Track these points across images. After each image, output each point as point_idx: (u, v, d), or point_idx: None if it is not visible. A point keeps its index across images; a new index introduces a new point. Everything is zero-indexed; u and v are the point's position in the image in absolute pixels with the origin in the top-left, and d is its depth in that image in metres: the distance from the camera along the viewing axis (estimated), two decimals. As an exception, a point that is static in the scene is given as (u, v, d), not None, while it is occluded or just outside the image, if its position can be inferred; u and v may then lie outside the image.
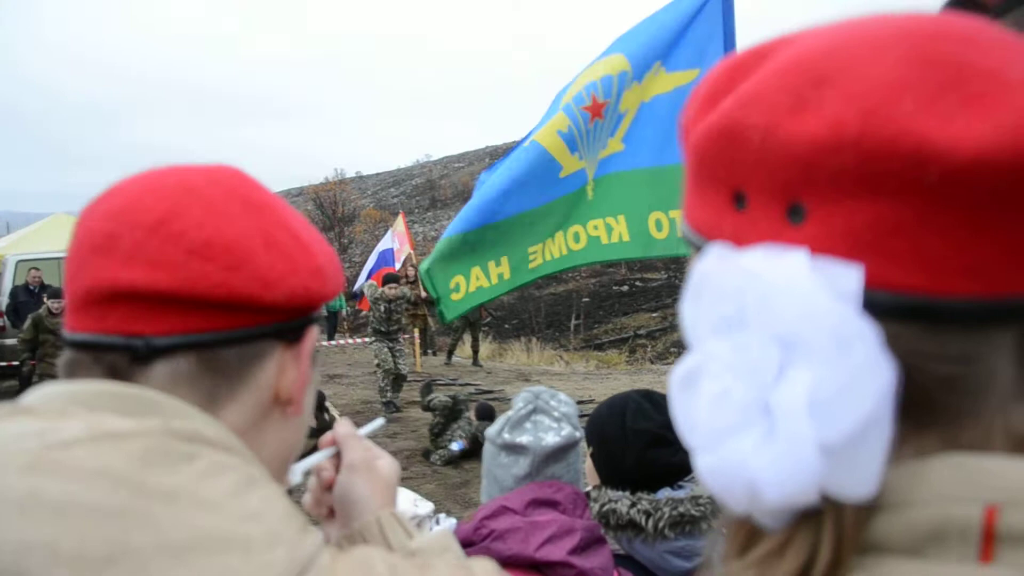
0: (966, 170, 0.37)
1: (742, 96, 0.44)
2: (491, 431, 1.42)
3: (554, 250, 3.73)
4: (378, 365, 9.45)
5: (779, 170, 0.42)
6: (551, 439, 1.37)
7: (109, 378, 0.63)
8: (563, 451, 1.39)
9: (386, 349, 9.37)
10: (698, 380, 0.44)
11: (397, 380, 9.49)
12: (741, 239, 0.45)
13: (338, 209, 35.25)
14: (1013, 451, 0.41)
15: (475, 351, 14.09)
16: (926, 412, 0.42)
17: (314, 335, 0.72)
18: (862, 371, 0.38)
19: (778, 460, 0.39)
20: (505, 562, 1.24)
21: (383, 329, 9.48)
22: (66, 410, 0.59)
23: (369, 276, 13.70)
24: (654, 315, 24.04)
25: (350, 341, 16.27)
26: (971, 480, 0.39)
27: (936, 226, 0.38)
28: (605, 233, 3.68)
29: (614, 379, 12.19)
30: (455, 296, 3.80)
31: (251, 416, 0.67)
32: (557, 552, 1.23)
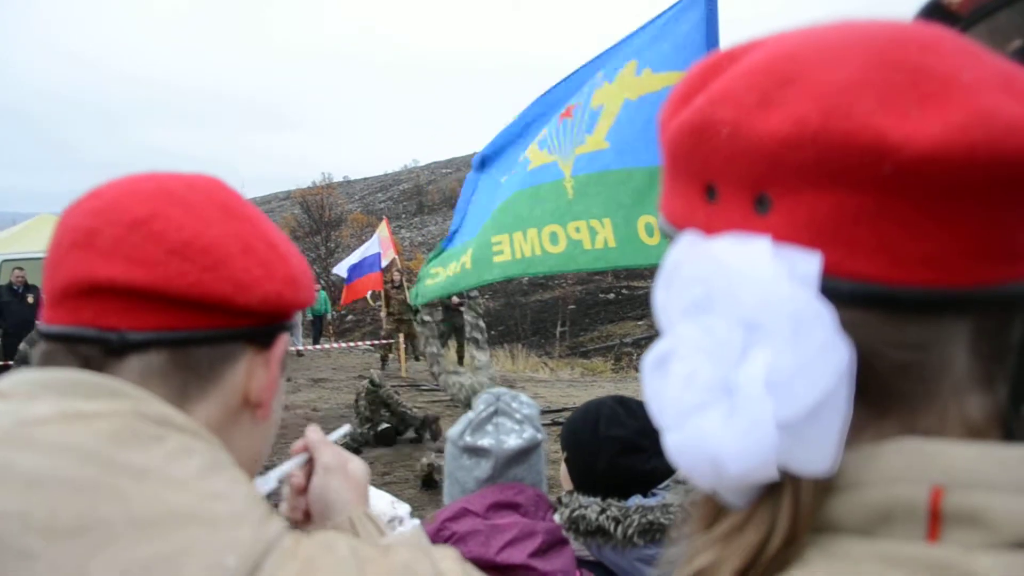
0: (919, 163, 0.39)
1: (713, 94, 0.47)
2: (452, 433, 1.42)
3: (525, 248, 3.55)
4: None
5: (746, 163, 0.44)
6: (513, 442, 1.37)
7: (82, 368, 0.65)
8: (525, 453, 1.39)
9: None
10: (668, 362, 0.46)
11: None
12: (712, 229, 0.47)
13: (325, 213, 35.11)
14: (967, 437, 0.43)
15: (460, 357, 14.08)
16: (885, 398, 0.44)
17: (285, 342, 0.75)
18: (819, 352, 0.40)
19: (739, 436, 0.41)
20: None
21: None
22: (37, 394, 0.61)
23: (352, 279, 13.64)
24: (640, 323, 24.13)
25: (335, 345, 16.22)
26: (919, 463, 0.41)
27: (893, 217, 0.41)
28: (588, 237, 3.52)
29: (599, 387, 12.24)
30: (429, 282, 3.74)
31: (220, 415, 0.69)
32: (518, 555, 1.24)
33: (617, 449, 1.57)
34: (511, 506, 1.31)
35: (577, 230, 3.51)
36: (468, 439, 1.38)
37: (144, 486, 0.57)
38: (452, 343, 14.19)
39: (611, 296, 27.16)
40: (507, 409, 1.42)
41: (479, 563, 1.23)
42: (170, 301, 0.64)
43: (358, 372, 11.52)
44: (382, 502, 2.07)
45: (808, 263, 0.42)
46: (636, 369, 17.38)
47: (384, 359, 13.70)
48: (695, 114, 0.47)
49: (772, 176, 0.43)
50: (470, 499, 1.33)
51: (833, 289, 0.42)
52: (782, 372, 0.40)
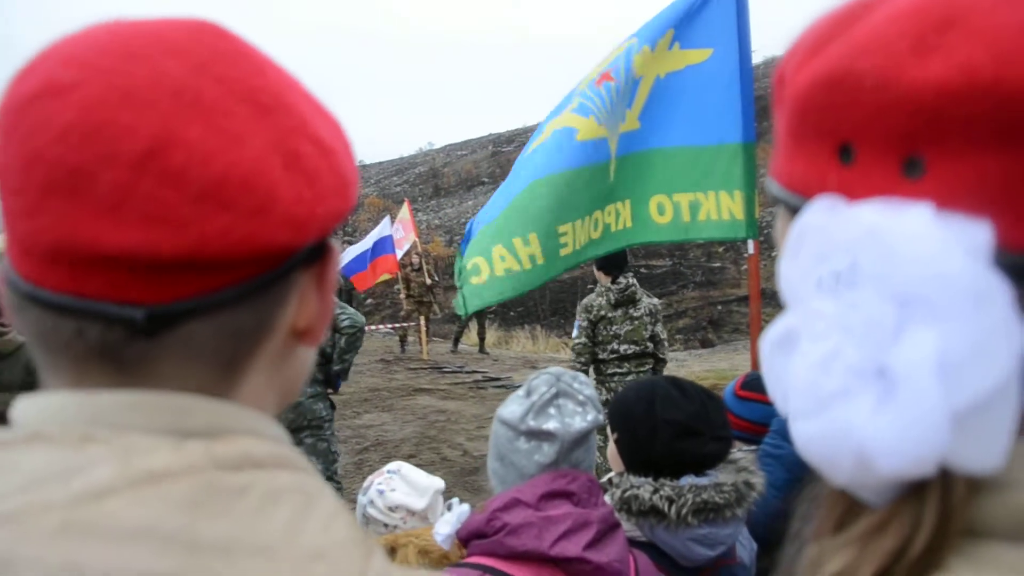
0: None
1: (853, 42, 0.41)
2: (508, 415, 1.37)
3: (581, 237, 3.40)
4: None
5: (896, 120, 0.39)
6: (578, 424, 1.33)
7: (97, 357, 0.50)
8: (588, 435, 1.36)
9: None
10: (797, 342, 0.41)
11: None
12: (849, 195, 0.42)
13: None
14: None
15: (481, 338, 14.08)
16: None
17: (337, 253, 0.60)
18: (995, 332, 0.35)
19: (898, 427, 0.36)
20: (519, 557, 1.21)
21: None
22: (87, 434, 0.48)
23: (365, 265, 13.55)
24: (660, 302, 24.05)
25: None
26: None
27: None
28: (614, 219, 3.54)
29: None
30: (475, 280, 3.35)
31: (270, 371, 0.56)
32: (572, 548, 1.20)
33: (675, 433, 1.54)
34: (564, 495, 1.27)
35: (609, 213, 3.50)
36: (532, 423, 1.33)
37: (234, 567, 0.45)
38: (473, 325, 14.17)
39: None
40: (569, 390, 1.37)
41: (533, 556, 1.19)
42: (209, 264, 0.48)
43: (379, 356, 11.53)
44: (421, 476, 2.03)
45: (979, 232, 0.36)
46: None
47: (403, 341, 13.70)
48: (832, 64, 0.42)
49: (928, 133, 0.38)
50: (521, 489, 1.29)
51: (1000, 263, 0.36)
52: (954, 355, 0.35)
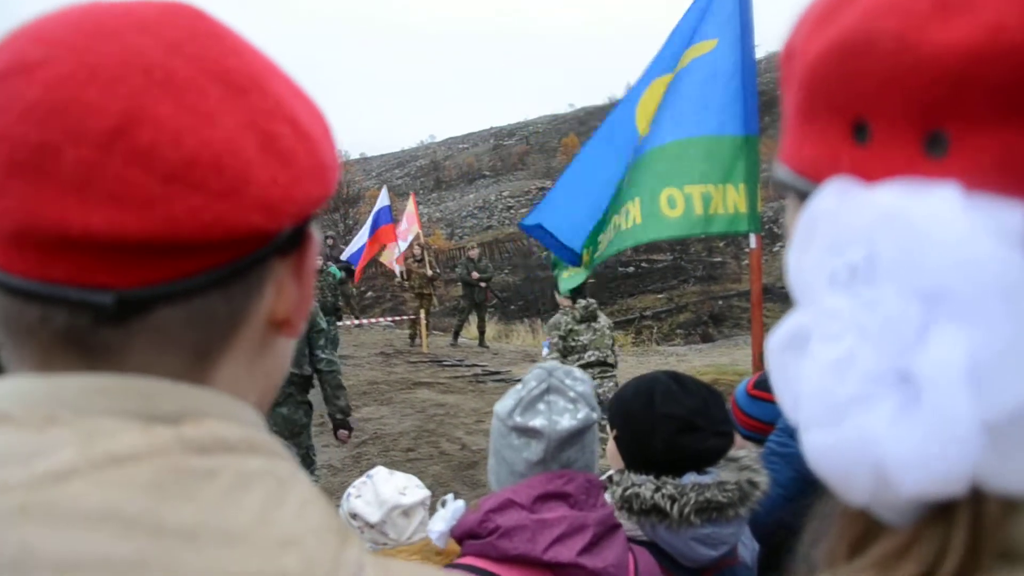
0: None
1: (868, 5, 0.37)
2: (501, 409, 1.34)
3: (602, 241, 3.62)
4: None
5: (916, 90, 0.35)
6: (566, 422, 1.29)
7: (64, 343, 0.48)
8: (579, 434, 1.31)
9: None
10: (808, 343, 0.37)
11: None
12: (864, 176, 0.37)
13: (342, 190, 35.09)
14: None
15: (481, 332, 14.02)
16: None
17: (316, 241, 0.59)
18: None
19: (922, 439, 0.32)
20: (511, 560, 1.18)
21: None
22: (51, 415, 0.46)
23: (360, 255, 13.44)
24: (660, 296, 23.94)
25: (355, 322, 16.21)
26: None
27: None
28: (624, 219, 3.56)
29: (621, 360, 12.09)
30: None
31: (247, 362, 0.54)
32: (566, 553, 1.17)
33: (675, 428, 1.50)
34: (560, 497, 1.23)
35: (617, 214, 3.51)
36: (518, 419, 1.29)
37: (200, 553, 0.44)
38: (473, 318, 14.13)
39: (630, 269, 26.96)
40: (560, 386, 1.33)
41: (525, 560, 1.15)
42: (178, 248, 0.46)
43: (379, 349, 11.50)
44: (389, 488, 1.99)
45: (1012, 216, 0.32)
46: (656, 343, 17.31)
47: (413, 336, 13.63)
48: (844, 31, 0.38)
49: (951, 105, 0.34)
50: (516, 489, 1.25)
51: None
52: (986, 357, 0.31)
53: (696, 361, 11.41)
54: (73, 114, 0.43)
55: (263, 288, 0.53)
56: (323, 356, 4.38)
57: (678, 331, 19.76)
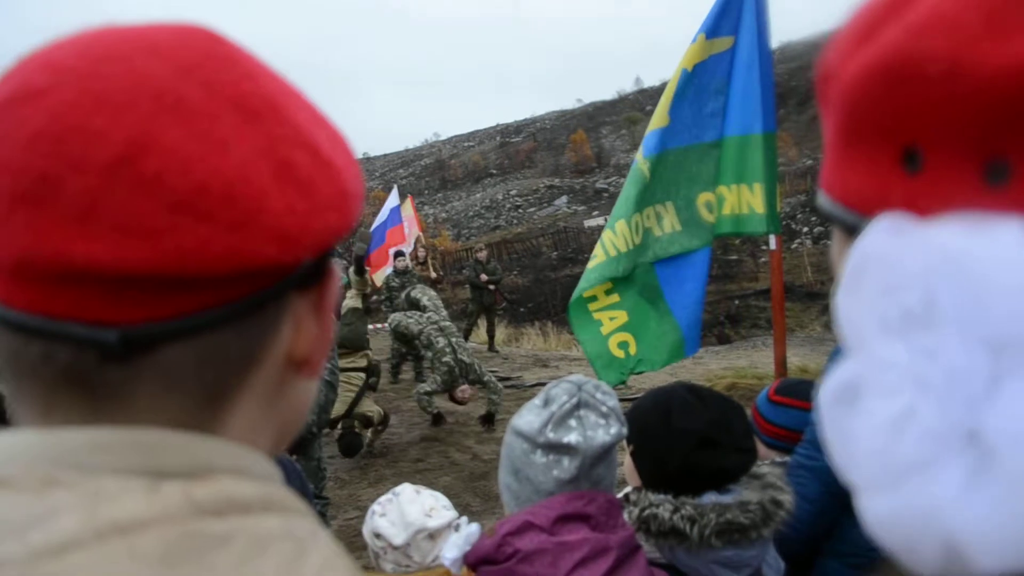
0: None
1: (913, 22, 0.35)
2: (524, 426, 1.31)
3: (618, 243, 3.43)
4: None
5: (971, 114, 0.33)
6: (601, 437, 1.27)
7: (67, 382, 0.47)
8: (610, 450, 1.30)
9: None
10: (861, 396, 0.34)
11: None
12: (917, 210, 0.36)
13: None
14: None
15: (491, 336, 14.01)
16: None
17: (337, 274, 0.57)
18: None
19: (998, 509, 0.29)
20: None
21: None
22: (51, 477, 0.44)
23: (377, 247, 13.49)
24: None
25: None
26: None
27: None
28: (656, 223, 3.51)
29: (635, 363, 12.08)
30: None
31: (263, 404, 0.53)
32: None
33: (692, 444, 1.46)
34: (581, 518, 1.21)
35: (648, 216, 3.47)
36: (551, 435, 1.26)
37: None
38: (482, 322, 14.11)
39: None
40: (591, 401, 1.31)
41: None
42: (187, 282, 0.45)
43: (386, 355, 11.46)
44: (415, 509, 1.98)
45: None
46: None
47: None
48: (889, 51, 0.36)
49: (1012, 130, 0.32)
50: (535, 510, 1.22)
51: None
52: None
53: (713, 364, 11.35)
54: (77, 142, 0.43)
55: (280, 325, 0.51)
56: (326, 364, 4.38)
57: (694, 332, 19.68)
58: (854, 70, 0.38)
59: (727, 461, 1.47)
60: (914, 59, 0.35)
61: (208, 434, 0.49)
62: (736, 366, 9.98)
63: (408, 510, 1.96)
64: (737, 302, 22.07)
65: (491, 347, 13.89)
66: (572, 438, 1.26)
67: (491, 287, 13.33)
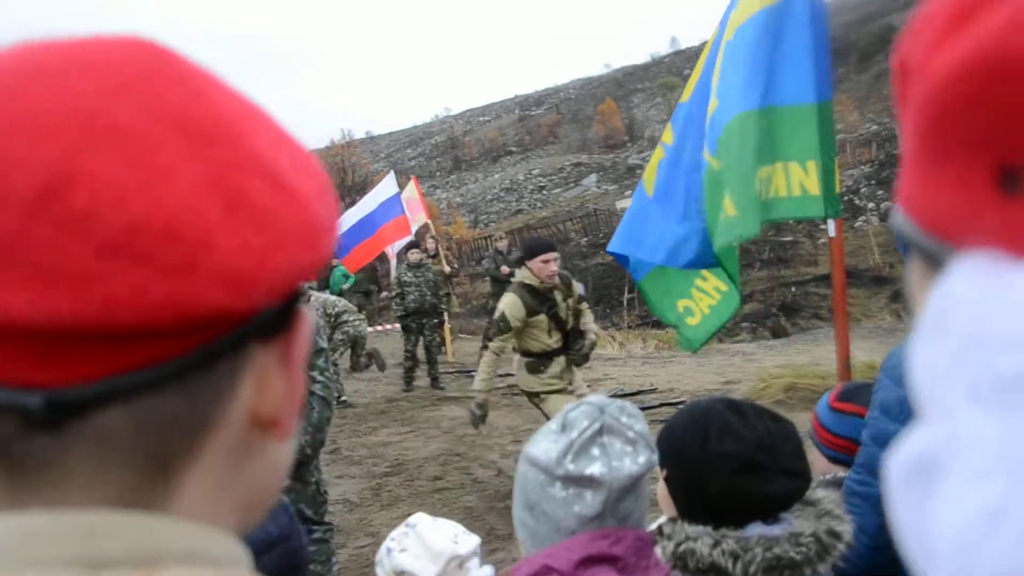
0: None
1: (1013, 14, 0.33)
2: (541, 456, 1.30)
3: (730, 209, 3.52)
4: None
5: None
6: (628, 467, 1.26)
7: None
8: (638, 481, 1.29)
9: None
10: (943, 473, 0.32)
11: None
12: (1016, 242, 0.34)
13: (347, 176, 35.20)
14: None
15: (513, 337, 14.01)
16: None
17: (308, 322, 0.56)
18: None
19: None
20: None
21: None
22: None
23: (358, 240, 13.28)
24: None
25: (369, 330, 16.28)
26: None
27: None
28: (723, 211, 3.50)
29: (678, 362, 12.08)
30: (691, 320, 4.13)
31: (222, 474, 0.51)
32: None
33: (733, 468, 1.44)
34: (607, 560, 1.21)
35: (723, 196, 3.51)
36: (571, 466, 1.25)
37: None
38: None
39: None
40: (615, 425, 1.30)
41: None
42: (123, 336, 0.43)
43: (398, 359, 11.51)
44: (443, 538, 2.00)
45: None
46: (718, 339, 17.11)
47: (441, 343, 13.65)
48: (981, 43, 0.34)
49: None
50: (553, 552, 1.22)
51: None
52: None
53: (767, 360, 11.29)
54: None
55: (239, 381, 0.50)
56: (320, 378, 4.34)
57: (744, 325, 19.56)
58: (942, 66, 0.35)
59: (774, 487, 1.45)
60: (1015, 55, 0.32)
61: (156, 512, 0.47)
62: (795, 363, 9.88)
63: (432, 540, 1.98)
64: (794, 289, 21.91)
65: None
66: (595, 469, 1.24)
67: (512, 280, 13.27)
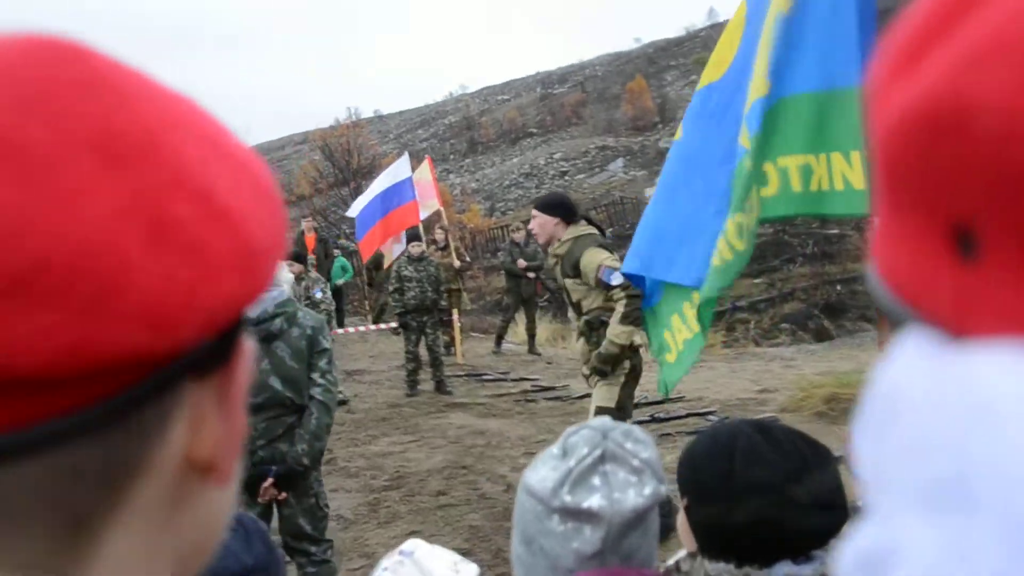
0: None
1: (964, 49, 0.32)
2: (537, 485, 1.28)
3: (724, 251, 3.48)
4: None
5: None
6: (632, 500, 1.24)
7: None
8: (644, 515, 1.27)
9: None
10: (889, 572, 0.33)
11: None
12: (968, 316, 0.33)
13: (353, 159, 35.38)
14: None
15: (531, 335, 14.00)
16: None
17: (248, 354, 0.55)
18: None
19: None
20: None
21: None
22: None
23: (370, 225, 13.25)
24: (757, 281, 23.66)
25: (370, 328, 16.31)
26: None
27: None
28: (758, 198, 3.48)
29: (708, 367, 12.00)
30: (668, 356, 4.08)
31: (151, 527, 0.50)
32: None
33: (761, 499, 1.41)
34: None
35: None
36: (567, 497, 1.23)
37: None
38: (521, 318, 14.11)
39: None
40: (618, 452, 1.27)
41: None
42: (24, 385, 0.42)
43: (400, 360, 11.52)
44: (443, 566, 1.97)
45: None
46: (755, 342, 17.12)
47: (447, 345, 13.59)
48: (930, 85, 0.33)
49: None
50: None
51: None
52: None
53: (807, 367, 11.22)
54: None
55: (169, 424, 0.48)
56: (321, 381, 4.28)
57: (783, 326, 19.50)
58: (894, 109, 0.35)
59: (808, 522, 1.41)
60: (962, 104, 0.31)
61: (71, 574, 0.46)
62: (837, 370, 9.84)
63: (433, 567, 1.97)
64: (839, 287, 21.78)
65: (531, 348, 13.91)
66: (594, 502, 1.23)
67: (531, 275, 13.31)
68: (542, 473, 1.29)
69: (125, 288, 0.42)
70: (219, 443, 0.52)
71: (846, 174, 3.17)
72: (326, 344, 4.30)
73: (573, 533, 1.24)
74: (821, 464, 1.46)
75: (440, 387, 10.70)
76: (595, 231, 5.51)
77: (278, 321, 4.05)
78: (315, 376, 4.23)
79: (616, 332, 5.10)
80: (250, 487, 4.07)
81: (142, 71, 0.49)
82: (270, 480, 4.10)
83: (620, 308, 5.07)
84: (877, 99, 0.37)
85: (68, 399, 0.43)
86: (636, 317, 4.91)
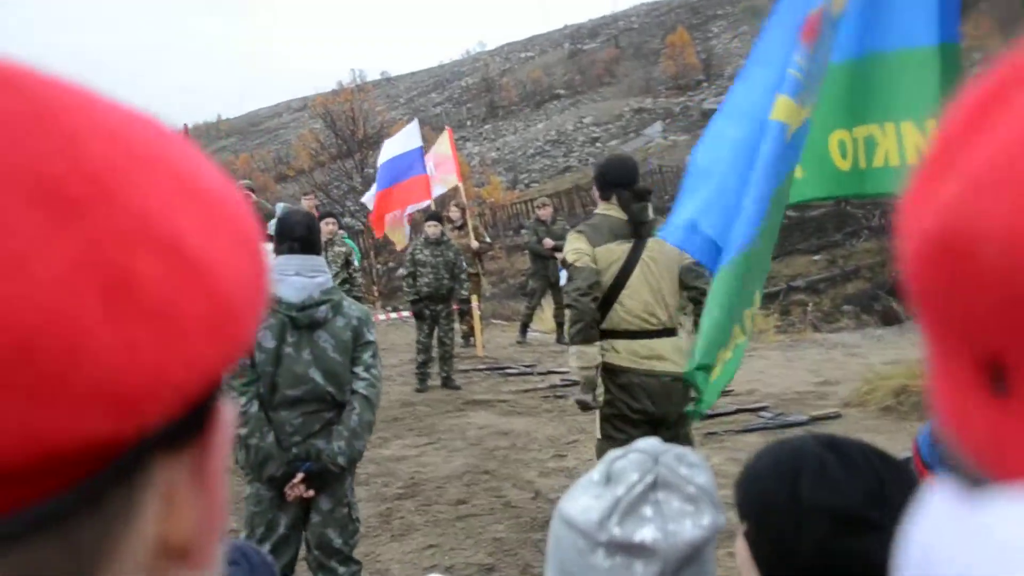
0: None
1: (970, 171, 0.35)
2: (581, 515, 1.29)
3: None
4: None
5: None
6: (689, 532, 1.24)
7: None
8: (703, 547, 1.26)
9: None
10: None
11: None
12: (1004, 454, 0.35)
13: (357, 128, 35.35)
14: None
15: (559, 323, 13.97)
16: None
17: (228, 421, 0.54)
18: None
19: None
20: None
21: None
22: None
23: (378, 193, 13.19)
24: (817, 258, 23.53)
25: (381, 317, 16.39)
26: None
27: None
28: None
29: (760, 357, 11.97)
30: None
31: None
32: None
33: (833, 526, 1.41)
34: None
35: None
36: (616, 530, 1.24)
37: None
38: (547, 303, 14.11)
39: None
40: (672, 479, 1.28)
41: None
42: None
43: (413, 353, 11.56)
44: None
45: None
46: (813, 327, 16.98)
47: (466, 335, 13.62)
48: (943, 216, 0.35)
49: None
50: None
51: None
52: None
53: (873, 355, 11.17)
54: None
55: (136, 509, 0.47)
56: (365, 375, 4.26)
57: (845, 309, 19.36)
58: (917, 235, 0.37)
59: (885, 551, 1.40)
60: (969, 233, 0.34)
61: None
62: (908, 359, 9.79)
63: None
64: (908, 265, 21.60)
65: (559, 337, 13.89)
66: (647, 534, 1.23)
67: (558, 255, 13.25)
68: (583, 503, 1.30)
69: (80, 365, 0.41)
70: (195, 526, 0.51)
71: (920, 146, 3.12)
72: (371, 336, 4.31)
73: (622, 570, 1.24)
74: (902, 484, 1.46)
75: (447, 382, 10.75)
76: (611, 213, 5.26)
77: (324, 308, 4.06)
78: (358, 370, 4.23)
79: (570, 361, 5.07)
80: (282, 487, 4.11)
81: (93, 94, 0.47)
82: (300, 476, 4.10)
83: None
84: (906, 221, 0.40)
85: (18, 495, 0.42)
86: (582, 334, 4.87)
